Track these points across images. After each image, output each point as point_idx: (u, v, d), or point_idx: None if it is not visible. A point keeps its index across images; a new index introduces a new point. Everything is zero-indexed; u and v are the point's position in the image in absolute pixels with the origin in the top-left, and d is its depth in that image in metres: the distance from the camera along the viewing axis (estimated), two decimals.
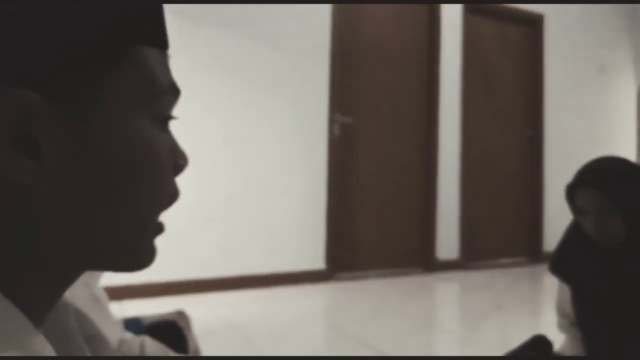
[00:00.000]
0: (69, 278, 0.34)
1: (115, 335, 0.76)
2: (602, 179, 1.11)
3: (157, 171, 0.35)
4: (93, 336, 0.63)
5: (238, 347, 2.04)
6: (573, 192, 1.17)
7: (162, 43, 0.36)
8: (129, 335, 0.93)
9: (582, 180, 1.14)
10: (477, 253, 4.09)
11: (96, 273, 0.84)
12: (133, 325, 1.25)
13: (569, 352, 1.26)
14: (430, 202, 3.85)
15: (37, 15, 0.28)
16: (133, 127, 0.33)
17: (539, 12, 4.43)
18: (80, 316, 0.61)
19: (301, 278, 3.27)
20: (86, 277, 0.73)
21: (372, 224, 3.68)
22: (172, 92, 0.37)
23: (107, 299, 0.82)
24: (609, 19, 4.89)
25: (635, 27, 5.02)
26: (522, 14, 4.35)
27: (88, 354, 0.56)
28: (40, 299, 0.32)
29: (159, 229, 0.38)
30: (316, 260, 3.36)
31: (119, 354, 0.82)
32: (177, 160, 0.38)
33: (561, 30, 4.54)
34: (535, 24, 4.45)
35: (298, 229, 3.31)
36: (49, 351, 0.29)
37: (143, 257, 0.36)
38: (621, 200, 1.09)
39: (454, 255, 3.93)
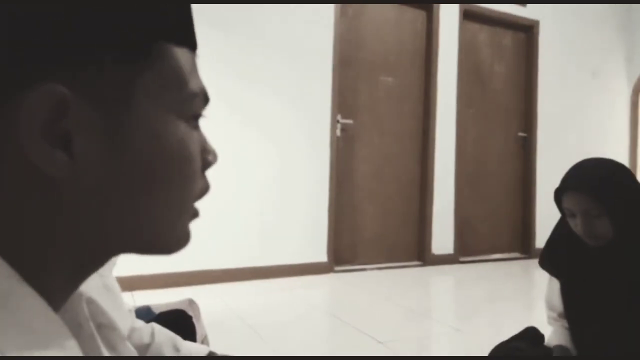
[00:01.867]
0: (95, 265, 0.35)
1: (126, 324, 0.76)
2: (588, 182, 1.10)
3: (189, 167, 0.35)
4: (104, 324, 0.63)
5: (243, 335, 2.05)
6: (561, 195, 1.16)
7: (190, 42, 0.35)
8: (139, 323, 0.93)
9: (569, 185, 1.13)
10: (470, 248, 4.08)
11: (109, 263, 0.84)
12: (144, 313, 1.25)
13: (555, 342, 1.25)
14: (426, 199, 3.85)
15: (68, 11, 0.28)
16: (166, 126, 0.32)
17: (534, 18, 4.40)
18: (92, 304, 0.61)
19: (304, 270, 3.27)
20: None
21: (372, 219, 3.69)
22: (202, 96, 0.37)
23: (119, 289, 0.82)
24: (603, 24, 4.85)
25: (628, 32, 4.98)
26: (517, 20, 4.33)
27: (99, 342, 0.56)
28: (62, 286, 0.32)
29: (194, 214, 0.39)
30: (318, 253, 3.37)
31: (129, 342, 0.82)
32: (207, 157, 0.39)
33: (555, 36, 4.51)
34: (530, 29, 4.43)
35: (302, 224, 3.31)
36: (65, 333, 0.29)
37: (175, 241, 0.37)
38: (608, 204, 1.08)
39: (449, 250, 3.92)
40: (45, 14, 0.27)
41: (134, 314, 0.99)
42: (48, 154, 0.28)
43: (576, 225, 1.14)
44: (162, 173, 0.32)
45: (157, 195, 0.33)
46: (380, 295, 2.82)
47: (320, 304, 2.61)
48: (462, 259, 3.96)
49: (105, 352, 0.58)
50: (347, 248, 3.56)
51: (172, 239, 0.36)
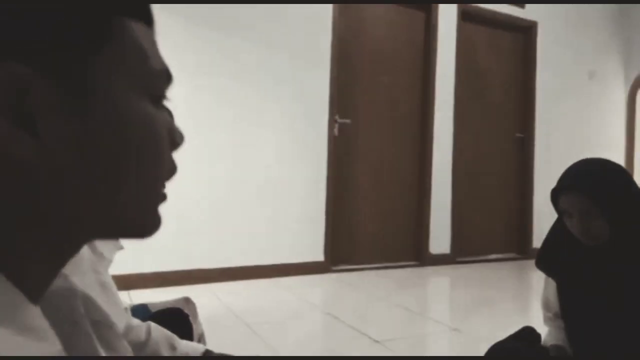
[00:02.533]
0: (71, 250, 0.34)
1: (122, 321, 0.76)
2: (584, 183, 1.10)
3: (157, 147, 0.34)
4: (100, 322, 0.63)
5: (241, 334, 2.05)
6: (557, 195, 1.16)
7: (146, 17, 0.35)
8: (136, 322, 0.93)
9: (566, 185, 1.13)
10: (467, 249, 4.09)
11: (105, 261, 0.84)
12: (140, 311, 1.25)
13: (551, 342, 1.25)
14: (424, 199, 3.85)
15: None
16: (131, 104, 0.32)
17: (532, 19, 4.41)
18: (88, 302, 0.61)
19: (301, 269, 3.27)
20: (94, 264, 0.73)
21: (369, 219, 3.69)
22: (165, 75, 0.36)
23: (115, 286, 0.82)
24: (600, 26, 4.86)
25: (625, 34, 5.00)
26: (515, 21, 4.34)
27: (95, 339, 0.56)
28: (39, 272, 0.31)
29: (162, 198, 0.38)
30: (315, 252, 3.37)
31: (125, 340, 0.81)
32: (174, 138, 0.38)
33: (553, 37, 4.52)
34: (528, 30, 4.43)
35: (299, 223, 3.31)
36: (42, 324, 0.29)
37: (148, 224, 0.36)
38: (604, 204, 1.08)
39: (446, 250, 3.93)
40: None
41: (130, 312, 0.99)
42: (11, 134, 0.27)
43: (572, 225, 1.14)
44: (130, 153, 0.32)
45: (126, 176, 0.32)
46: (377, 294, 2.82)
47: (317, 303, 2.61)
48: (459, 259, 3.97)
49: (101, 350, 0.58)
50: (344, 248, 3.56)
51: (145, 221, 0.36)
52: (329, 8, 3.43)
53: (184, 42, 2.95)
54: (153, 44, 0.36)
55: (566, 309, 1.25)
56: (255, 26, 3.18)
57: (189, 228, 2.93)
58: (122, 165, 0.32)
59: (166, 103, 0.38)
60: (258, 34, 3.19)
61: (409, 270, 3.63)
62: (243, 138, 3.14)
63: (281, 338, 2.02)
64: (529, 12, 4.39)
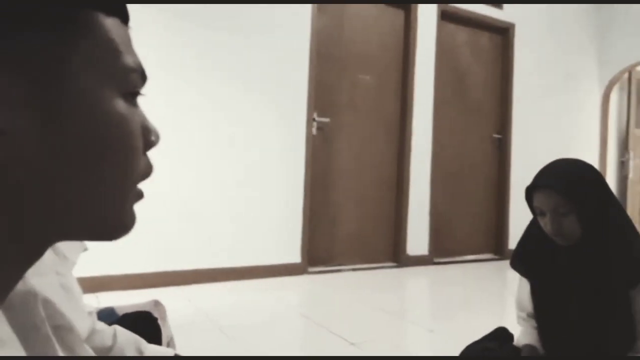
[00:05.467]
0: (38, 252, 0.33)
1: (85, 325, 0.74)
2: (557, 181, 1.13)
3: (129, 144, 0.34)
4: (61, 326, 0.61)
5: (213, 337, 2.03)
6: (532, 193, 1.19)
7: (121, 13, 0.35)
8: (101, 325, 0.91)
9: (539, 183, 1.16)
10: (445, 250, 4.15)
11: (68, 262, 0.82)
12: (107, 315, 1.22)
13: (524, 341, 1.28)
14: (402, 200, 3.89)
15: None
16: (102, 100, 0.32)
17: (510, 21, 4.50)
18: (49, 305, 0.60)
19: (277, 271, 3.26)
20: (57, 265, 0.71)
21: (347, 220, 3.70)
22: (139, 72, 0.36)
23: (79, 289, 0.80)
24: (576, 28, 5.00)
25: (600, 36, 5.15)
26: (493, 22, 4.42)
27: (55, 344, 0.54)
28: (4, 275, 0.31)
29: (138, 196, 0.37)
30: (292, 254, 3.36)
31: (89, 344, 0.80)
32: (149, 137, 0.38)
33: (530, 39, 4.63)
34: (506, 32, 4.52)
35: (276, 224, 3.30)
36: (3, 329, 0.28)
37: (122, 223, 0.35)
38: (576, 202, 1.11)
39: (424, 251, 3.97)
40: None
41: (95, 316, 0.97)
42: None
43: (546, 224, 1.17)
44: (101, 149, 0.32)
45: (97, 174, 0.32)
46: (354, 296, 2.84)
47: (292, 305, 2.61)
48: (436, 260, 4.02)
49: (62, 354, 0.57)
50: (321, 249, 3.57)
51: (118, 221, 0.35)
52: (308, 7, 3.43)
53: (164, 38, 2.91)
54: (127, 40, 0.35)
55: (538, 309, 1.28)
56: (235, 24, 3.16)
57: (162, 229, 2.89)
58: (94, 163, 0.32)
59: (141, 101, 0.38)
60: (238, 32, 3.17)
61: (386, 271, 3.66)
62: (220, 137, 3.11)
63: (255, 341, 2.01)
64: (507, 14, 4.48)
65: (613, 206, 1.19)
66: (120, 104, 0.33)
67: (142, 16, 2.83)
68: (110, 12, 0.33)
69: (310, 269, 3.44)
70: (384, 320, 2.38)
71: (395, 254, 3.88)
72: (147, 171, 0.38)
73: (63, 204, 0.31)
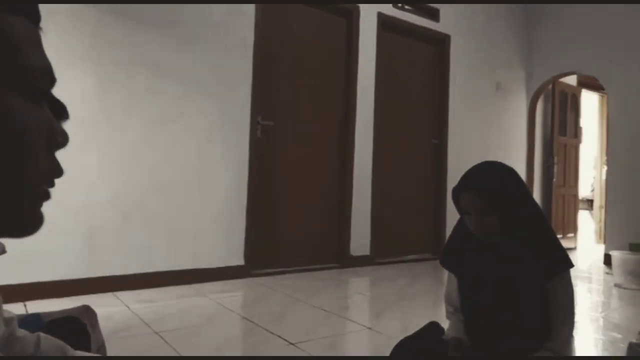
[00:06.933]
0: None
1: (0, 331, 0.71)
2: (480, 183, 1.21)
3: (22, 142, 0.34)
4: None
5: (148, 342, 1.97)
6: (458, 194, 1.26)
7: (30, 13, 0.34)
8: (22, 333, 0.87)
9: (464, 185, 1.23)
10: (386, 250, 4.26)
11: None
12: (32, 322, 1.16)
13: (451, 334, 1.35)
14: (345, 202, 3.96)
15: None
16: None
17: (446, 33, 4.70)
18: None
19: (220, 274, 3.22)
20: None
21: (291, 222, 3.71)
22: (45, 74, 0.36)
23: None
24: (507, 42, 5.31)
25: (527, 50, 5.49)
26: (431, 33, 4.60)
27: None
28: None
29: (43, 196, 0.37)
30: (236, 257, 3.33)
31: (7, 352, 0.76)
32: (55, 137, 0.37)
33: (465, 50, 4.86)
34: (442, 43, 4.72)
35: (219, 227, 3.26)
36: None
37: (24, 222, 0.35)
38: (496, 203, 1.19)
39: (366, 251, 4.06)
40: None
41: (15, 322, 0.92)
42: None
43: (470, 223, 1.24)
44: None
45: None
46: (296, 297, 2.85)
47: (233, 308, 2.58)
48: (378, 260, 4.12)
49: None
50: (265, 251, 3.55)
51: (20, 220, 0.35)
52: (251, 8, 3.42)
53: (100, 35, 2.80)
54: (34, 40, 0.35)
55: (465, 304, 1.36)
56: (177, 22, 3.09)
57: (96, 232, 2.77)
58: None
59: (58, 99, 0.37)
60: (179, 30, 3.10)
61: (330, 272, 3.70)
62: (160, 137, 3.03)
63: (192, 344, 1.97)
64: (443, 26, 4.68)
65: (529, 206, 1.28)
66: (14, 101, 0.33)
67: (77, 11, 2.72)
68: (14, 12, 0.33)
69: (254, 272, 3.41)
70: (325, 320, 2.41)
71: (338, 255, 3.93)
72: (53, 170, 0.37)
73: None
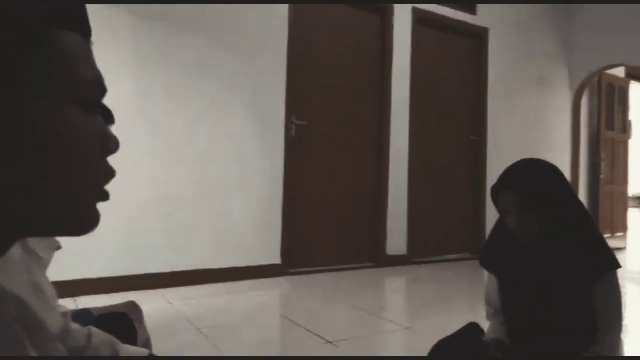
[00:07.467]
0: (4, 246, 0.36)
1: (57, 325, 0.75)
2: (519, 182, 1.18)
3: (79, 148, 0.36)
4: (32, 325, 0.62)
5: (191, 339, 2.03)
6: (497, 193, 1.24)
7: (82, 28, 0.37)
8: (75, 326, 0.91)
9: (504, 183, 1.21)
10: (423, 249, 4.20)
11: (41, 262, 0.82)
12: (83, 317, 1.22)
13: (492, 336, 1.32)
14: (381, 201, 3.93)
15: None
16: (55, 108, 0.34)
17: (484, 26, 4.59)
18: (20, 304, 0.60)
19: (257, 273, 3.27)
20: (28, 265, 0.72)
21: (327, 221, 3.73)
22: (98, 86, 0.38)
23: (52, 289, 0.80)
24: (547, 35, 5.13)
25: (570, 43, 5.29)
26: (468, 27, 4.50)
27: (26, 343, 0.55)
28: None
29: (101, 198, 0.40)
30: (272, 255, 3.37)
31: (63, 344, 0.80)
32: (107, 144, 0.40)
33: (504, 44, 4.73)
34: (480, 37, 4.61)
35: (256, 226, 3.31)
36: None
37: (82, 222, 0.38)
38: (537, 202, 1.16)
39: (403, 251, 4.02)
40: None
41: (69, 317, 0.97)
42: None
43: (510, 222, 1.22)
44: (54, 151, 0.34)
45: (53, 173, 0.35)
46: (333, 296, 2.86)
47: (271, 306, 2.62)
48: (415, 260, 4.08)
49: (33, 354, 0.58)
50: (301, 250, 3.58)
51: (77, 219, 0.38)
52: (285, 8, 3.45)
53: (140, 41, 2.90)
54: (87, 53, 0.37)
55: (506, 305, 1.33)
56: (212, 25, 3.16)
57: (140, 231, 2.87)
58: (48, 163, 0.34)
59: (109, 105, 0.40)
60: (214, 33, 3.17)
61: (365, 271, 3.69)
62: (198, 138, 3.11)
63: (232, 342, 2.02)
64: (481, 19, 4.57)
65: (573, 204, 1.24)
66: (72, 112, 0.35)
67: (115, 19, 2.82)
68: (69, 28, 0.35)
69: (291, 270, 3.45)
70: (362, 319, 2.41)
71: (374, 254, 3.92)
72: (107, 174, 0.40)
73: (20, 201, 0.33)
